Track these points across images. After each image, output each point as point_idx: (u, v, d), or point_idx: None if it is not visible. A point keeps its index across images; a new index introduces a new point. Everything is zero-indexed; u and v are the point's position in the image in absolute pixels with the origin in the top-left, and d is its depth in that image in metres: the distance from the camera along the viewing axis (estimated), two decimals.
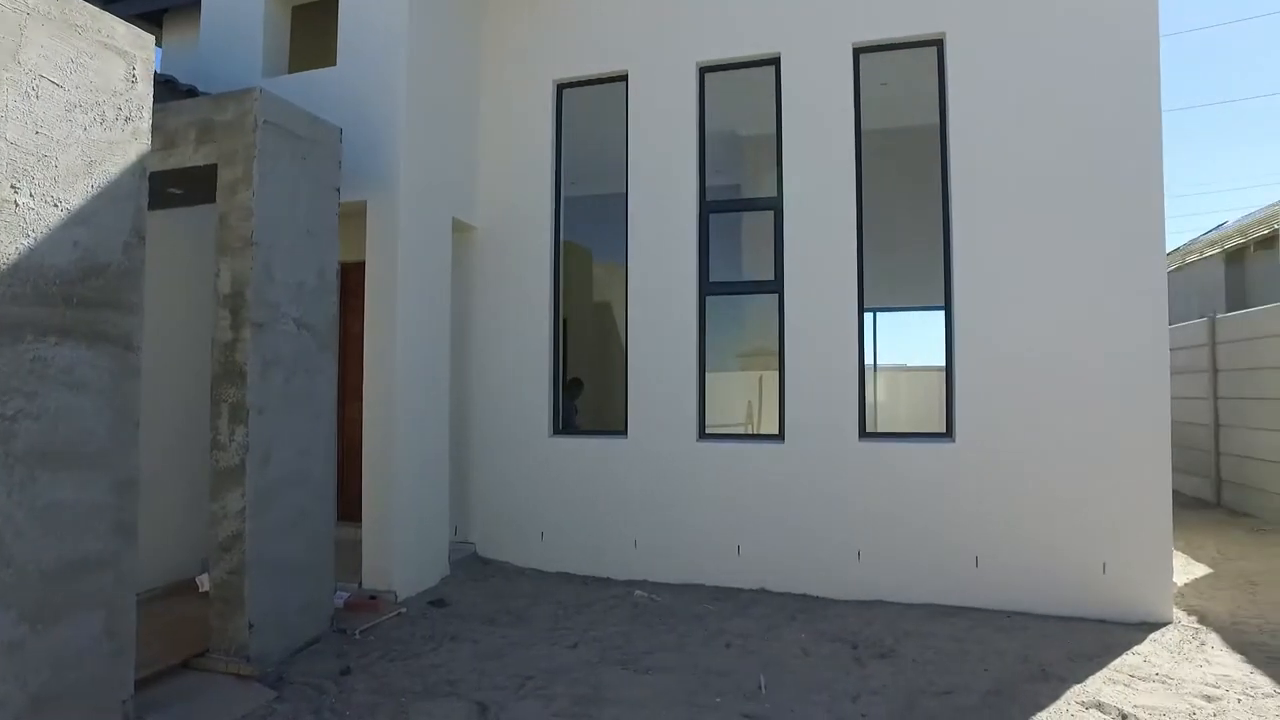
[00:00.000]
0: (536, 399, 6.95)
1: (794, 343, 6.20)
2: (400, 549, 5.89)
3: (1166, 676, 4.45)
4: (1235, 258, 12.26)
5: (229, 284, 4.48)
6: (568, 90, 7.19)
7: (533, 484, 6.90)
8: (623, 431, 6.68)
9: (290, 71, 6.71)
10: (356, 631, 5.10)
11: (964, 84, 5.93)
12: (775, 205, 6.35)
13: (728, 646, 4.97)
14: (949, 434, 5.91)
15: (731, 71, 6.70)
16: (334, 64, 6.26)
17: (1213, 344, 10.35)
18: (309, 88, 6.06)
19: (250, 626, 4.35)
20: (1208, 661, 4.69)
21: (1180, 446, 11.27)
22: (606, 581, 6.50)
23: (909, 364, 13.68)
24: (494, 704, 4.09)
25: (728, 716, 3.96)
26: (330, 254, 5.22)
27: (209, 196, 4.83)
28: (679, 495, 6.45)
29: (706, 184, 6.74)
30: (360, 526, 5.95)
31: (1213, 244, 13.37)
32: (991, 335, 5.79)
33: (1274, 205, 9.12)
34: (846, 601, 5.90)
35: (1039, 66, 5.77)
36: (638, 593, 6.12)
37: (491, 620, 5.48)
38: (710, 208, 6.60)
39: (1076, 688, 4.28)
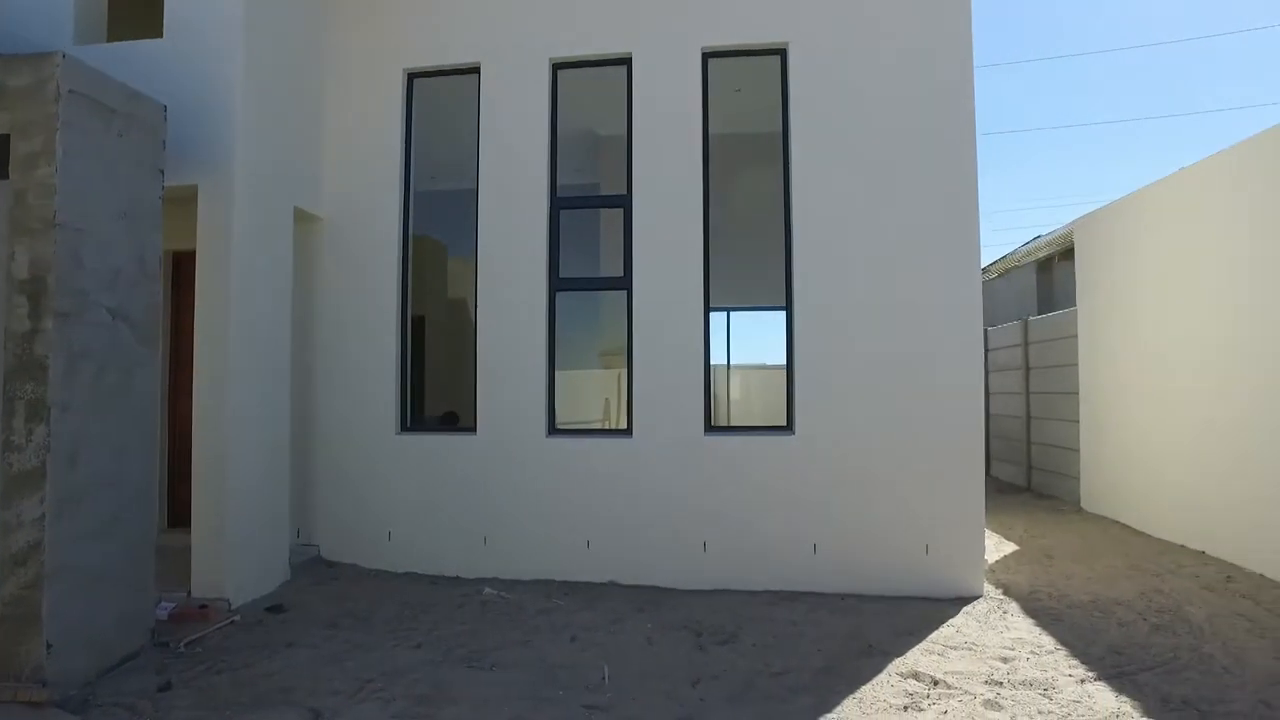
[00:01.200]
0: (384, 396, 6.75)
1: (642, 338, 6.33)
2: (234, 554, 5.56)
3: (973, 644, 4.87)
4: (1045, 267, 13.54)
5: (26, 269, 4.08)
6: (420, 80, 7.02)
7: (380, 483, 6.69)
8: (472, 428, 6.59)
9: (110, 41, 6.18)
10: (181, 644, 4.77)
11: (804, 93, 6.24)
12: (625, 203, 6.45)
13: (573, 640, 5.01)
14: (790, 428, 6.20)
15: (587, 70, 6.75)
16: (160, 35, 5.82)
17: (1025, 344, 11.39)
18: (132, 60, 5.59)
19: (49, 647, 3.97)
20: (1007, 628, 5.16)
21: (1000, 437, 12.34)
22: (456, 580, 6.40)
23: (766, 363, 14.23)
24: (329, 709, 3.95)
25: (570, 709, 3.99)
26: (152, 240, 4.86)
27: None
28: (529, 491, 6.43)
29: (563, 182, 6.76)
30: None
31: (1029, 254, 14.70)
32: (827, 334, 6.12)
33: (1074, 221, 10.15)
34: (693, 592, 6.09)
35: (872, 82, 6.16)
36: (487, 590, 6.06)
37: (333, 624, 5.28)
38: (561, 204, 6.62)
39: (897, 660, 4.61)
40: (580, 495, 6.37)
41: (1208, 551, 7.15)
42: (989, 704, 3.99)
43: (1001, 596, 5.90)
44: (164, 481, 6.96)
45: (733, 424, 8.28)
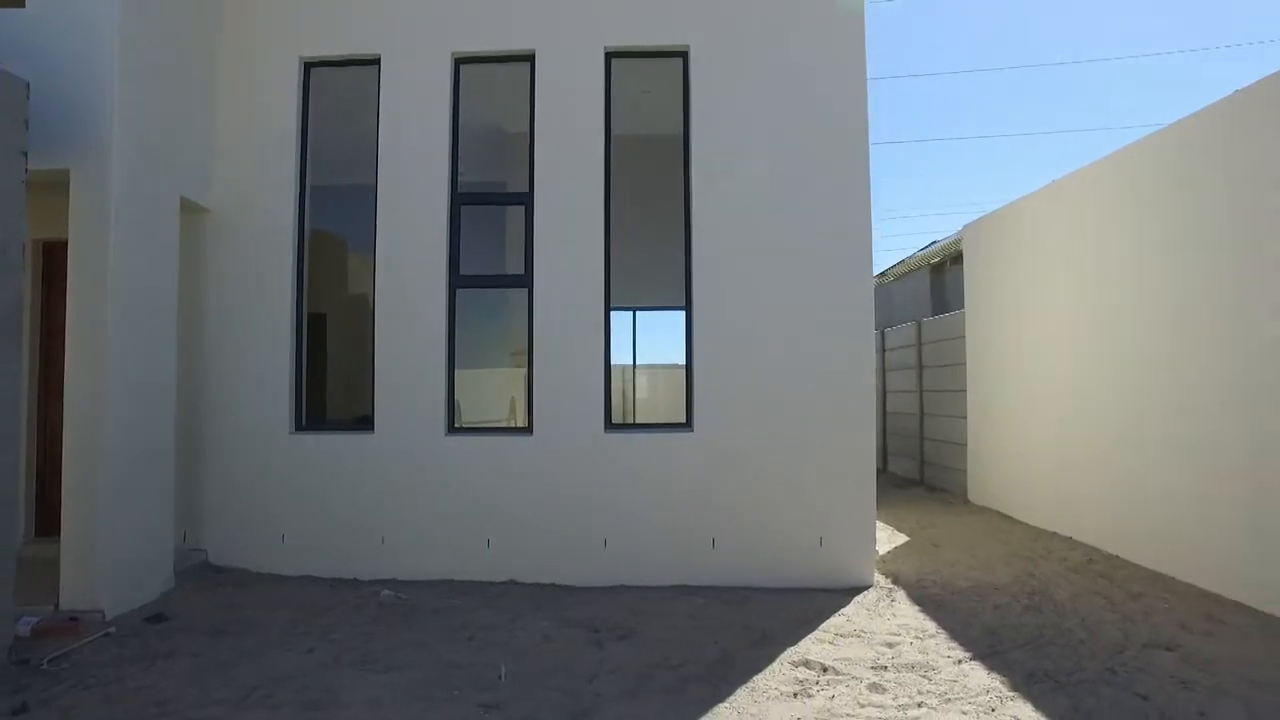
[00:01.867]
0: (278, 395, 6.52)
1: (543, 336, 6.33)
2: (108, 562, 5.27)
3: (862, 631, 5.08)
4: (938, 270, 14.21)
5: None
6: (318, 70, 6.81)
7: (273, 484, 6.47)
8: (369, 427, 6.45)
9: None
10: (44, 661, 4.48)
11: (704, 97, 6.36)
12: (526, 200, 6.43)
13: (471, 639, 4.96)
14: (689, 425, 6.31)
15: (492, 65, 6.70)
16: (21, 4, 5.44)
17: (919, 344, 11.90)
18: None
19: None
20: (895, 615, 5.40)
21: (896, 434, 12.85)
22: (353, 582, 6.24)
23: (677, 362, 14.38)
24: None
25: (464, 708, 3.96)
26: (14, 227, 4.56)
27: None
28: (428, 490, 6.34)
29: (471, 179, 6.69)
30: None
31: (925, 258, 15.39)
32: (725, 335, 6.26)
33: (964, 228, 10.69)
34: (594, 589, 6.12)
35: (771, 87, 6.32)
36: (385, 592, 5.93)
37: (218, 631, 5.07)
38: (462, 200, 6.55)
39: (790, 649, 4.75)
40: (480, 494, 6.32)
41: (1074, 537, 7.65)
42: (873, 687, 4.17)
43: (891, 585, 6.16)
44: (33, 488, 6.54)
45: (636, 422, 8.35)
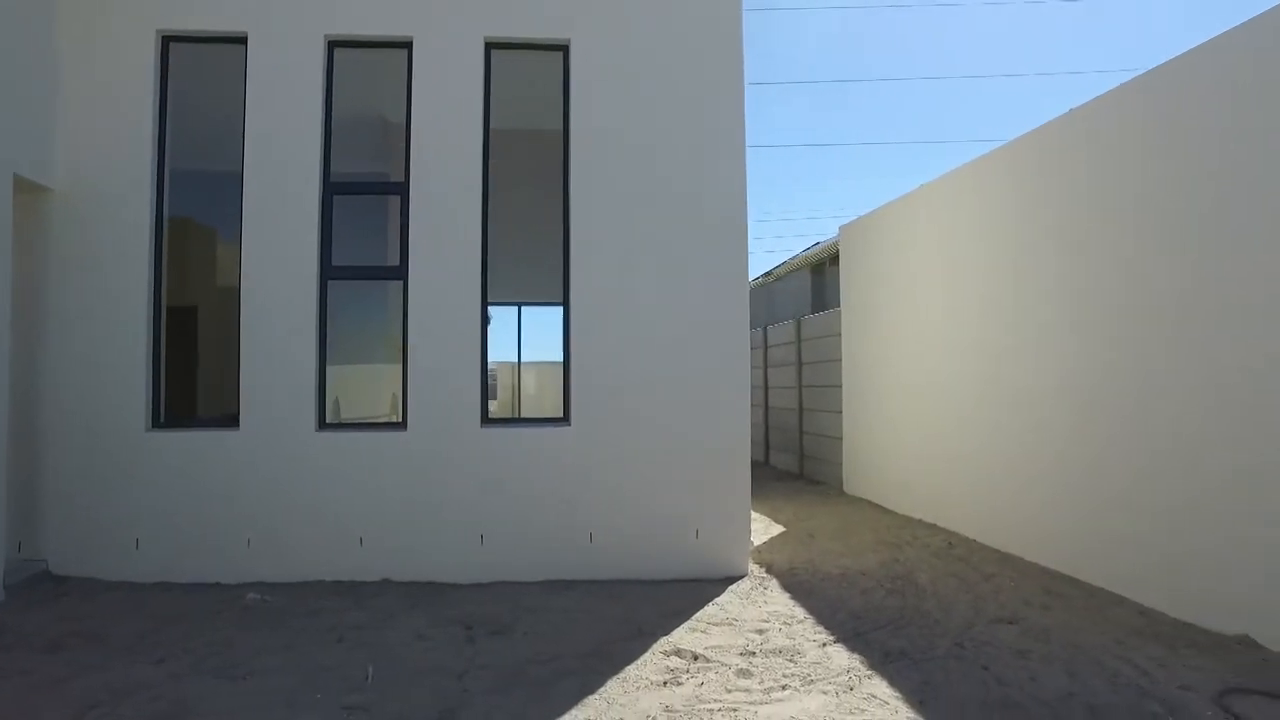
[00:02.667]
0: (131, 390, 6.11)
1: (418, 330, 6.19)
2: None
3: (734, 619, 5.21)
4: (819, 269, 14.74)
5: None
6: (178, 45, 6.41)
7: (126, 486, 6.06)
8: (234, 423, 6.14)
9: None
10: None
11: (584, 91, 6.36)
12: (402, 191, 6.26)
13: (340, 641, 4.81)
14: (566, 420, 6.31)
15: (370, 51, 6.48)
16: None
17: (798, 341, 12.30)
18: None
19: None
20: (766, 603, 5.57)
21: (778, 428, 13.23)
22: (215, 587, 5.93)
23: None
24: None
25: (328, 711, 3.83)
26: None
27: None
28: (298, 489, 6.10)
29: (353, 169, 6.47)
30: None
31: (808, 259, 15.93)
32: (603, 330, 6.28)
33: (841, 229, 11.15)
34: (471, 585, 6.04)
35: (650, 84, 6.39)
36: (250, 595, 5.67)
37: (55, 646, 4.70)
38: (335, 189, 6.32)
39: (663, 639, 4.82)
40: (353, 491, 6.12)
41: (939, 524, 8.10)
42: (741, 673, 4.28)
43: (765, 574, 6.35)
44: None
45: (515, 417, 8.29)
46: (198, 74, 6.61)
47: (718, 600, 5.65)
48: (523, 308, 11.32)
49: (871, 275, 9.81)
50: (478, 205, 6.25)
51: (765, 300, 18.21)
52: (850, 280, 10.46)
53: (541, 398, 12.93)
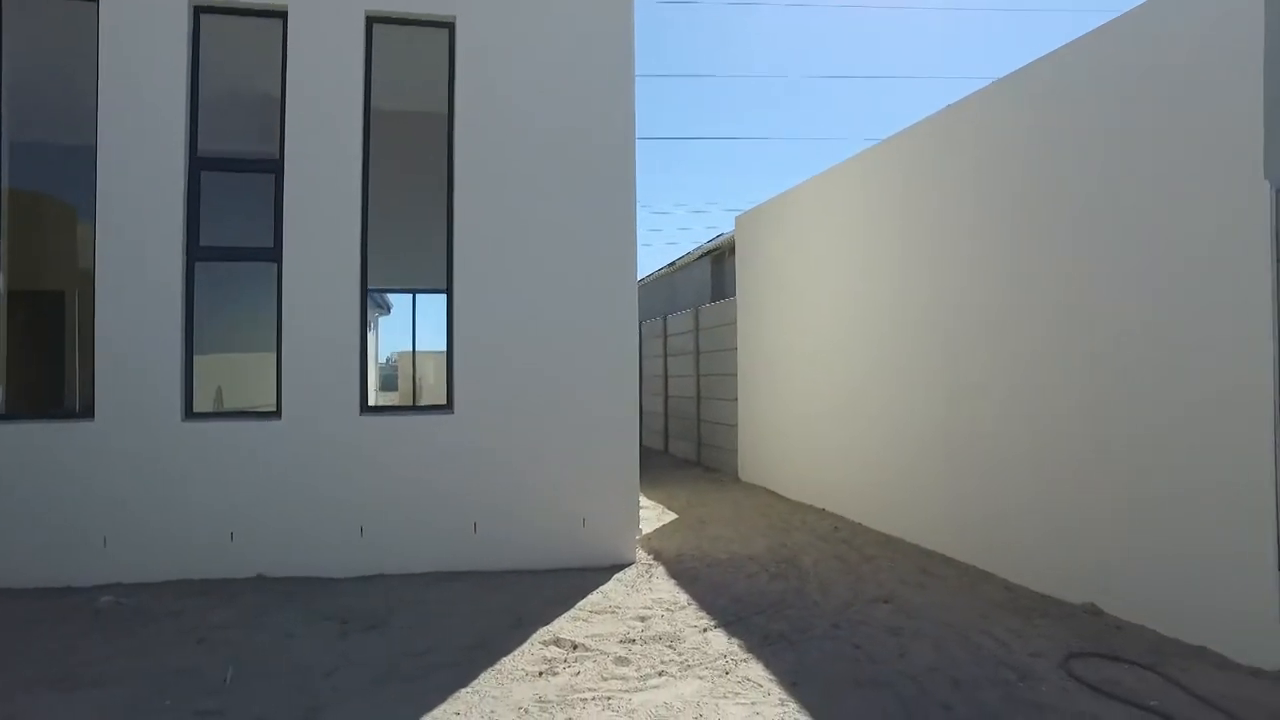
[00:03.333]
0: None
1: (293, 314, 5.89)
2: None
3: (617, 607, 5.18)
4: (719, 259, 14.90)
5: None
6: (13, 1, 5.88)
7: None
8: (89, 414, 5.71)
9: None
10: None
11: (470, 73, 6.17)
12: (276, 169, 5.94)
13: (201, 642, 4.53)
14: (449, 408, 6.13)
15: (243, 19, 6.10)
16: None
17: (697, 330, 12.40)
18: None
19: None
20: (651, 590, 5.57)
21: (677, 417, 13.32)
22: (66, 591, 5.51)
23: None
24: None
25: (179, 718, 3.60)
26: None
27: None
28: (163, 483, 5.72)
29: (233, 148, 6.07)
30: None
31: (706, 251, 16.10)
32: (488, 318, 6.12)
33: (737, 218, 11.29)
34: (351, 579, 5.81)
35: (538, 68, 6.24)
36: (104, 598, 5.29)
37: None
38: (202, 164, 5.93)
39: (544, 629, 4.75)
40: (223, 484, 5.79)
41: (827, 509, 8.30)
42: (619, 660, 4.25)
43: (652, 561, 6.35)
44: None
45: (397, 405, 8.04)
46: (44, 37, 6.09)
47: (603, 588, 5.61)
48: (418, 295, 11.00)
49: (763, 265, 9.96)
50: (357, 185, 5.98)
51: (668, 291, 18.28)
52: (744, 270, 10.59)
53: (440, 387, 12.60)
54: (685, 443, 13.13)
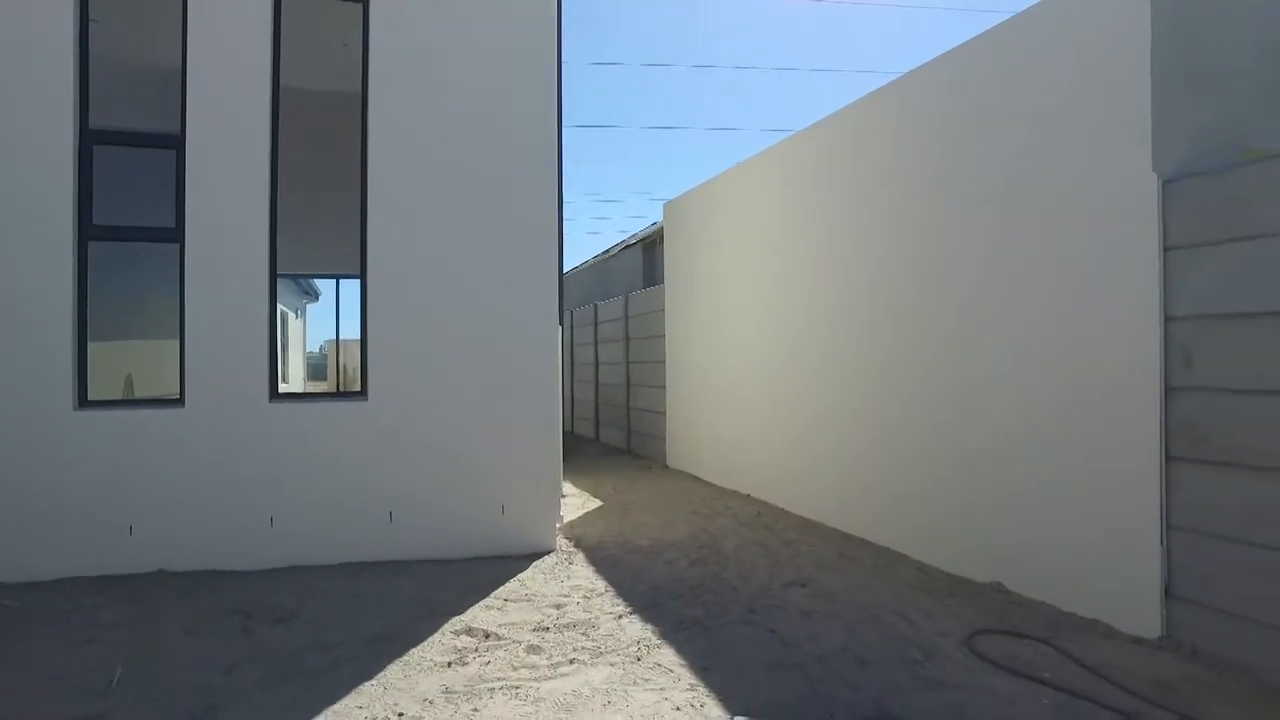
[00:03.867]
0: None
1: (196, 296, 5.62)
2: None
3: (534, 595, 5.11)
4: (651, 247, 14.91)
5: None
6: None
7: None
8: None
9: None
10: None
11: (383, 51, 5.95)
12: (178, 144, 5.65)
13: (91, 643, 4.30)
14: (363, 394, 5.95)
15: None
16: None
17: (626, 317, 12.36)
18: None
19: None
20: (569, 577, 5.51)
21: (607, 404, 13.27)
22: None
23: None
24: None
25: None
26: None
27: None
28: (53, 475, 5.40)
29: (124, 120, 5.73)
30: None
31: (639, 239, 16.09)
32: (404, 302, 5.95)
33: (666, 205, 11.28)
34: (258, 572, 5.60)
35: (457, 45, 6.07)
36: None
37: None
38: (94, 138, 5.60)
39: (457, 619, 4.65)
40: (123, 475, 5.50)
41: (752, 495, 8.37)
42: (531, 649, 4.19)
43: (573, 549, 6.30)
44: None
45: (306, 392, 7.81)
46: None
47: (520, 576, 5.53)
48: (346, 282, 10.67)
49: (688, 252, 9.96)
50: (265, 163, 5.71)
51: (601, 278, 18.23)
52: (671, 257, 10.58)
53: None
54: (616, 430, 13.10)
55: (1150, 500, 4.08)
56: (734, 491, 8.70)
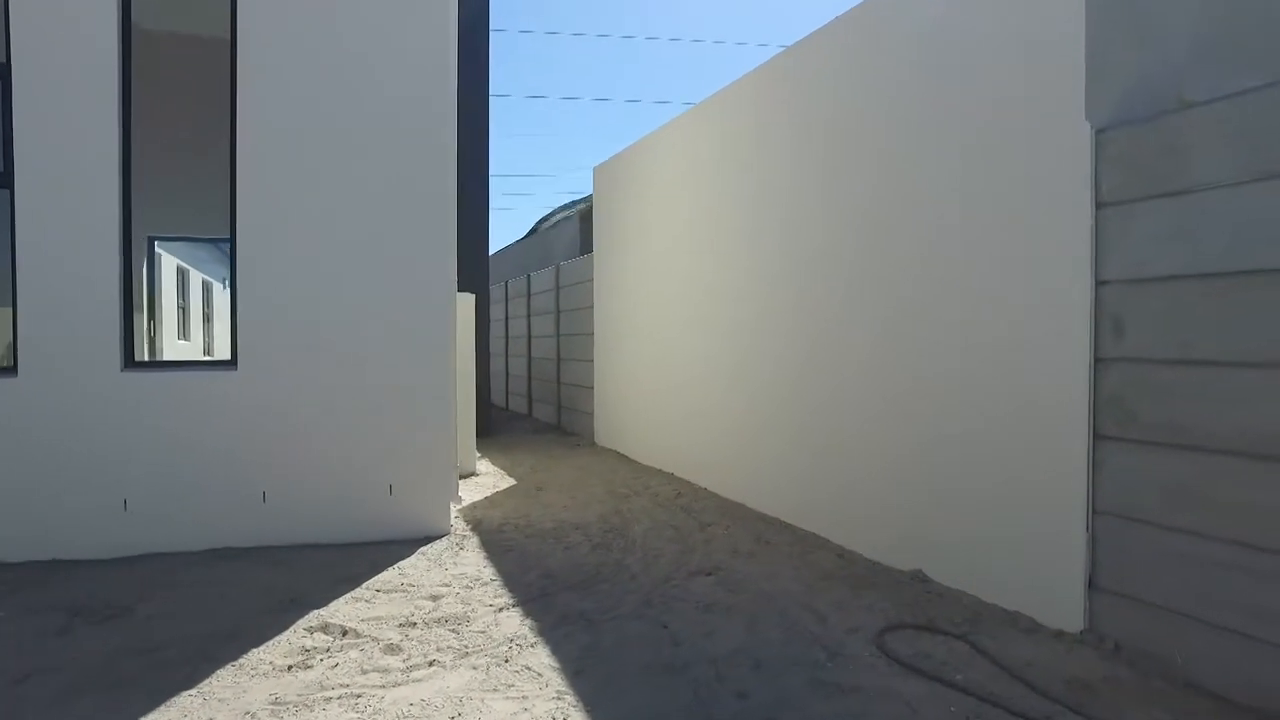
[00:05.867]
0: None
1: (31, 252, 4.94)
2: None
3: (412, 585, 4.60)
4: (586, 218, 14.32)
5: None
6: None
7: None
8: None
9: None
10: None
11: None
12: (3, 72, 4.93)
13: None
14: (233, 363, 5.35)
15: None
16: None
17: (557, 287, 11.80)
18: None
19: None
20: (456, 564, 5.01)
21: (540, 379, 12.74)
22: None
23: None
24: None
25: None
26: None
27: None
28: None
29: None
30: None
31: (579, 208, 15.51)
32: (277, 261, 5.32)
33: (595, 169, 10.71)
34: (109, 560, 5.00)
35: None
36: None
37: None
38: None
39: (315, 613, 4.12)
40: None
41: (676, 474, 7.94)
42: (390, 648, 3.69)
43: (469, 532, 5.80)
44: None
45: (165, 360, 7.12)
46: None
47: (402, 564, 5.01)
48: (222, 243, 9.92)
49: (617, 219, 9.43)
50: (114, 104, 5.00)
51: (539, 249, 17.59)
52: (600, 224, 10.03)
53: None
54: (548, 406, 12.58)
55: (1077, 483, 3.72)
56: (659, 471, 8.26)
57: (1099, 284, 3.64)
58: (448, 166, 5.65)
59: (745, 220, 6.62)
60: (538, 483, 7.70)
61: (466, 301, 7.91)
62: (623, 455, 9.25)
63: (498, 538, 5.64)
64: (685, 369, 7.73)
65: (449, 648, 3.70)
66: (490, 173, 10.48)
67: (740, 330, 6.73)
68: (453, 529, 5.80)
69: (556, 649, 3.67)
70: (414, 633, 3.88)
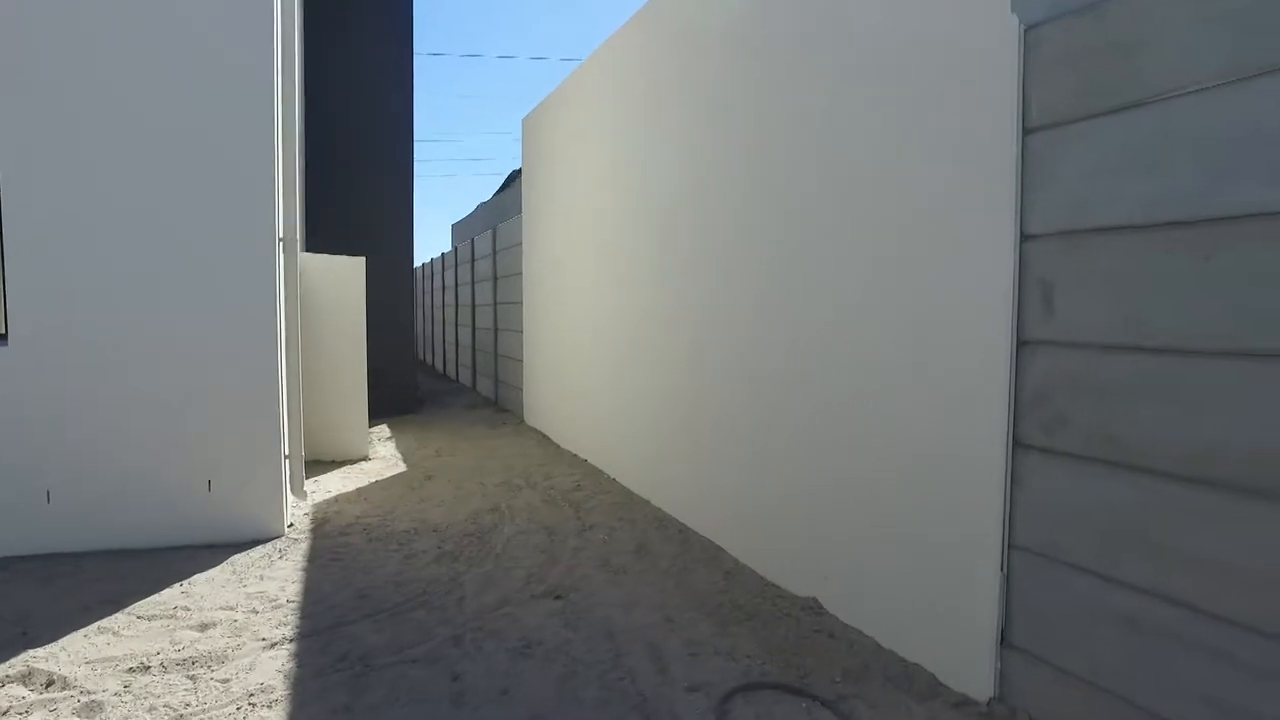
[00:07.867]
0: None
1: None
2: None
3: (188, 608, 3.73)
4: None
5: None
6: None
7: None
8: None
9: None
10: None
11: None
12: None
13: None
14: (4, 339, 4.42)
15: None
16: None
17: (494, 252, 10.83)
18: None
19: None
20: (263, 579, 4.13)
21: (482, 351, 11.83)
22: None
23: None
24: None
25: None
26: None
27: None
28: None
29: None
30: None
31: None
32: (59, 213, 4.35)
33: (523, 120, 9.68)
34: None
35: None
36: None
37: None
38: None
39: (30, 653, 3.25)
40: None
41: (590, 461, 7.05)
42: (89, 707, 2.83)
43: (306, 533, 4.92)
44: None
45: None
46: None
47: (196, 578, 4.14)
48: None
49: (543, 175, 8.44)
50: None
51: (498, 211, 16.55)
52: (528, 182, 9.04)
53: None
54: (487, 379, 11.68)
55: (991, 506, 2.80)
56: (573, 455, 7.38)
57: (1024, 238, 2.70)
58: (266, 105, 4.66)
59: (641, 180, 5.65)
60: (429, 470, 6.81)
61: (355, 266, 6.98)
62: (545, 437, 8.36)
63: (334, 542, 4.76)
64: (596, 348, 6.81)
65: (167, 708, 2.83)
66: (426, 135, 9.44)
67: (638, 306, 5.80)
68: (288, 530, 4.92)
69: (299, 710, 2.80)
70: (139, 682, 3.02)
